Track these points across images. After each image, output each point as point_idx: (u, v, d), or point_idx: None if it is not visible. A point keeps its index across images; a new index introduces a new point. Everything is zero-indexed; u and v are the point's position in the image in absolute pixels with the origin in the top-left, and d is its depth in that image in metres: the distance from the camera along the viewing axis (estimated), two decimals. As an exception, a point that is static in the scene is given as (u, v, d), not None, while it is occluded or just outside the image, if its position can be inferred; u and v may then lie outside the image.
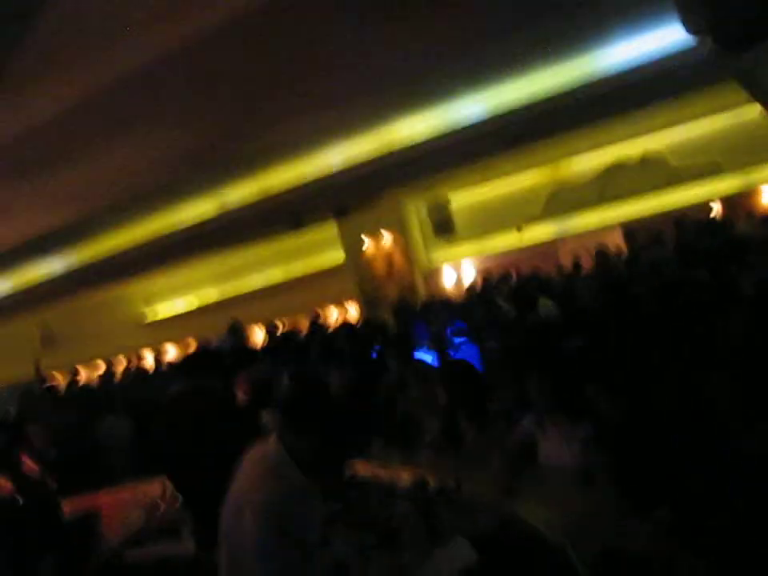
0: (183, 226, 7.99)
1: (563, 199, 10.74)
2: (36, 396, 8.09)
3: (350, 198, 9.20)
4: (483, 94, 5.90)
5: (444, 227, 11.47)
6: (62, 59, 3.17)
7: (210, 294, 14.40)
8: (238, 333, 7.63)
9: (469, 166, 8.48)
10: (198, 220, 7.87)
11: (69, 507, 4.68)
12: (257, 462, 2.28)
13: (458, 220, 11.51)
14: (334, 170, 6.95)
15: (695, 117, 9.43)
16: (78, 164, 4.74)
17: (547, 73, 5.63)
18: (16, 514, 3.92)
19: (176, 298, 15.02)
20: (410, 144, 6.61)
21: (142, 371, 9.00)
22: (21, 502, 4.20)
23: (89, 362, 13.30)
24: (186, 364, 3.78)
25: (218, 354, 3.91)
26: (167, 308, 15.27)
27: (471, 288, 9.12)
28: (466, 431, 3.80)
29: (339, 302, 13.01)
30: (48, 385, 9.48)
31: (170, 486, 4.57)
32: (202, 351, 3.86)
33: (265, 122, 5.06)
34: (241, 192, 7.46)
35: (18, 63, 3.34)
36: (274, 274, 13.64)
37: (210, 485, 3.53)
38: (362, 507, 3.49)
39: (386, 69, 4.49)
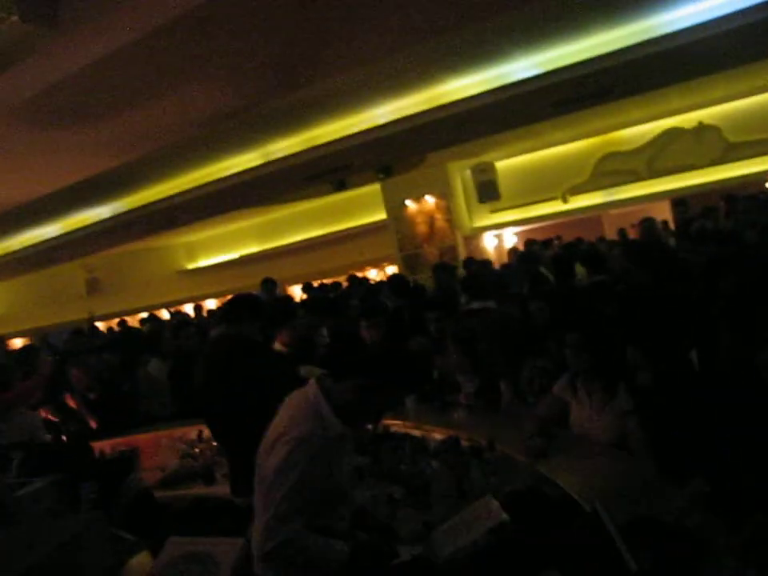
0: (227, 176, 8.01)
1: (611, 169, 10.53)
2: (81, 339, 8.35)
3: (394, 155, 9.10)
4: (535, 53, 5.75)
5: (488, 192, 11.38)
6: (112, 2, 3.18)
7: (251, 247, 14.62)
8: (270, 286, 7.81)
9: (516, 128, 8.30)
10: (241, 170, 7.87)
11: (109, 446, 4.86)
12: (294, 404, 2.38)
13: (503, 185, 11.39)
14: (380, 125, 6.86)
15: (754, 91, 9.13)
16: (126, 110, 4.74)
17: (604, 34, 5.44)
18: (59, 445, 4.04)
19: (217, 249, 15.31)
20: (457, 102, 6.48)
21: (182, 317, 9.18)
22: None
23: (132, 308, 13.72)
24: (225, 310, 3.81)
25: (257, 303, 3.91)
26: (208, 259, 15.56)
27: (512, 252, 9.07)
28: (502, 392, 3.80)
29: (379, 262, 13.13)
30: (92, 327, 9.78)
31: (206, 431, 4.69)
32: (242, 298, 3.86)
33: (312, 74, 5.00)
34: (285, 144, 7.43)
35: (68, 5, 3.37)
36: (314, 230, 13.77)
37: (245, 431, 3.61)
38: (391, 461, 3.53)
39: (435, 24, 4.37)
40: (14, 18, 3.31)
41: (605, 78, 6.02)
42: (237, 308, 3.76)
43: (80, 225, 9.62)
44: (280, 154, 7.57)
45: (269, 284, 7.74)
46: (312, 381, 2.38)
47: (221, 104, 5.18)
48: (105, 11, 3.27)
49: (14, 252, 10.53)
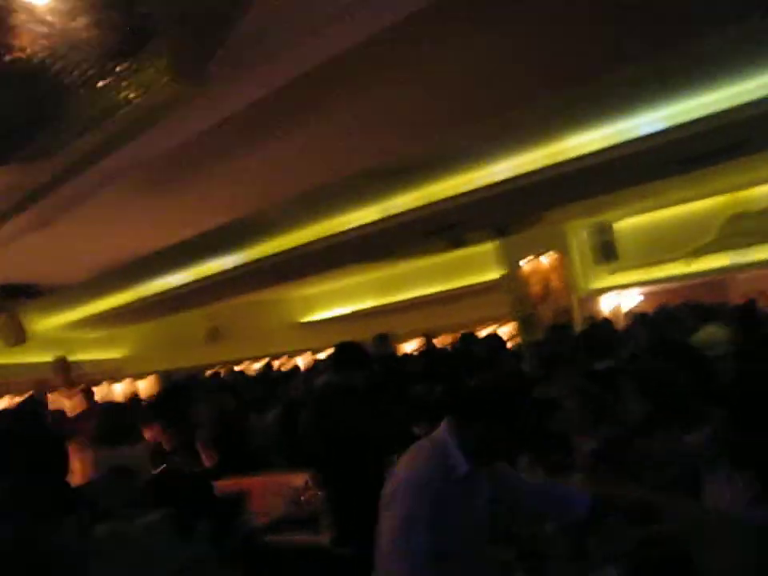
0: (346, 230, 8.21)
1: (740, 229, 9.99)
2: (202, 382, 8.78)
3: (511, 213, 9.07)
4: (661, 107, 5.59)
5: (606, 253, 11.09)
6: (254, 55, 3.38)
7: (366, 302, 14.86)
8: (381, 341, 7.85)
9: (639, 186, 8.08)
10: (360, 224, 8.06)
11: (217, 486, 4.97)
12: (417, 449, 2.35)
13: (622, 245, 11.05)
14: (497, 182, 6.85)
15: None
16: (254, 162, 4.97)
17: (734, 86, 5.22)
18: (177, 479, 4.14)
19: (333, 303, 15.66)
20: (578, 159, 6.39)
21: (296, 367, 9.37)
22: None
23: (248, 357, 14.21)
24: (332, 357, 3.83)
25: (364, 351, 3.90)
26: (324, 312, 15.93)
27: (631, 315, 8.77)
28: (623, 452, 3.59)
29: (492, 320, 13.00)
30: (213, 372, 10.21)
31: (313, 478, 4.71)
32: (348, 346, 3.86)
33: (434, 130, 5.09)
34: (404, 199, 7.55)
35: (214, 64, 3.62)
36: (428, 287, 13.86)
37: (350, 481, 3.60)
38: (504, 522, 3.39)
39: (556, 77, 4.35)
40: (167, 78, 3.61)
41: (735, 133, 5.76)
42: (343, 356, 3.78)
43: (205, 274, 10.11)
44: (398, 210, 7.70)
45: (380, 339, 7.76)
46: (443, 426, 2.34)
47: (346, 158, 5.32)
48: (245, 68, 3.49)
49: (145, 298, 11.15)
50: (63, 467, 1.52)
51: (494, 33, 3.36)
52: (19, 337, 7.85)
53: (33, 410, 5.26)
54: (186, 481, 4.12)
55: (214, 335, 15.33)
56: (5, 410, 5.59)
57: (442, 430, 2.32)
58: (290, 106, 3.82)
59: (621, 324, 8.81)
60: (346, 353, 3.77)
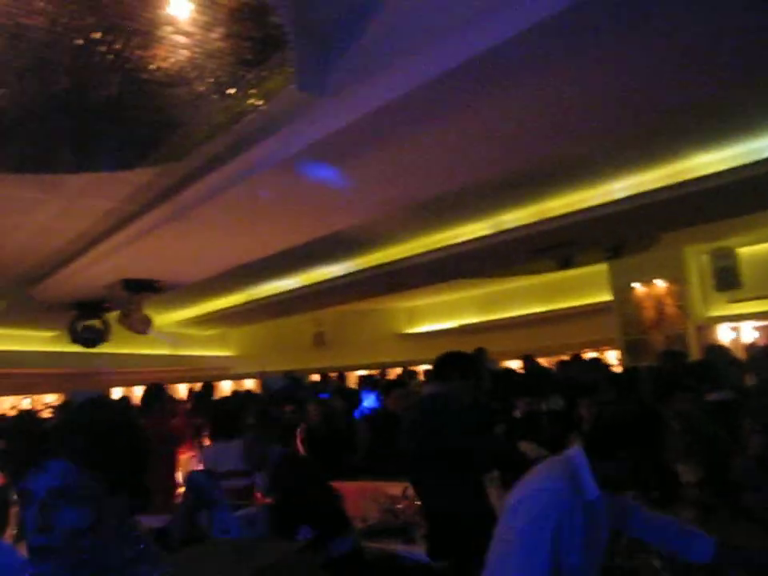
0: (455, 244, 8.22)
1: None
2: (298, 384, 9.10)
3: (626, 234, 8.77)
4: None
5: (727, 280, 10.53)
6: (374, 64, 3.46)
7: (470, 318, 14.81)
8: (483, 355, 7.90)
9: (765, 211, 7.64)
10: (470, 238, 8.04)
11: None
12: (547, 467, 2.30)
13: (745, 273, 10.46)
14: (615, 200, 6.66)
15: None
16: (367, 170, 5.00)
17: None
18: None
19: (437, 316, 15.70)
20: (701, 179, 6.12)
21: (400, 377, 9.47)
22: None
23: (351, 364, 14.46)
24: (436, 366, 3.79)
25: (470, 361, 3.84)
26: (427, 325, 15.99)
27: (751, 347, 8.30)
28: (734, 489, 3.39)
29: (598, 345, 12.66)
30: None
31: (410, 489, 4.71)
32: (453, 356, 3.80)
33: (553, 144, 4.99)
34: (516, 215, 7.48)
35: (335, 73, 3.72)
36: (533, 306, 13.66)
37: (449, 492, 3.57)
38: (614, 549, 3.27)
39: (684, 93, 4.18)
40: (292, 86, 3.74)
41: None
42: (448, 365, 3.73)
43: (315, 280, 10.38)
44: (510, 225, 7.63)
45: (479, 353, 7.81)
46: (577, 446, 2.29)
47: (461, 170, 5.31)
48: (365, 77, 3.56)
49: (258, 300, 11.55)
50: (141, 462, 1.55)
51: (622, 46, 3.27)
52: (144, 326, 8.35)
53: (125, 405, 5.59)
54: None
55: (320, 340, 15.70)
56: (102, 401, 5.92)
57: (576, 452, 2.26)
58: (408, 115, 3.84)
59: (738, 355, 8.34)
60: (451, 362, 3.73)
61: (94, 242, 6.70)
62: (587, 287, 12.54)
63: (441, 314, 15.67)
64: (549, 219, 7.26)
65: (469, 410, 3.60)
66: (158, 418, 5.54)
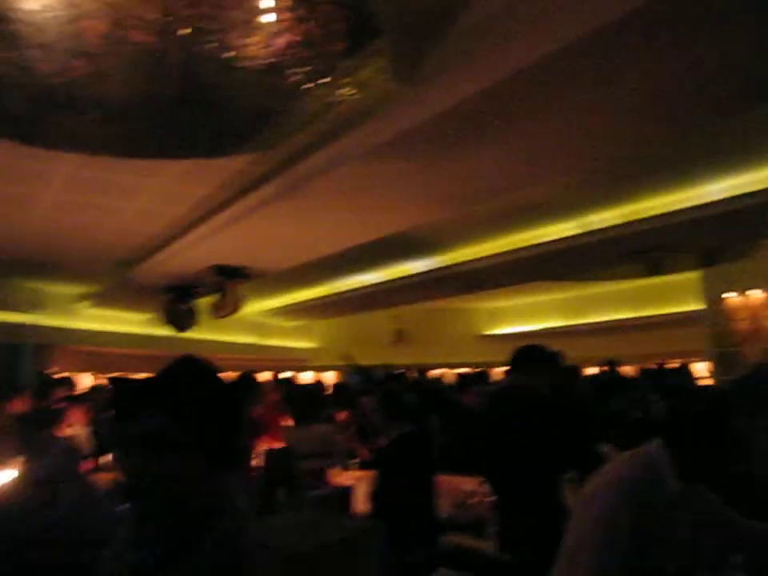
0: (540, 243, 8.11)
1: None
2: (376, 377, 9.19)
3: (723, 239, 8.42)
4: None
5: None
6: (470, 50, 3.46)
7: (552, 321, 14.59)
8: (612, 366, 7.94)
9: None
10: (556, 238, 7.91)
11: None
12: (626, 457, 2.24)
13: None
14: (712, 202, 6.41)
15: None
16: (456, 162, 5.00)
17: None
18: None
19: (518, 319, 15.52)
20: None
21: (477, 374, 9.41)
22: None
23: (430, 363, 14.48)
24: (514, 358, 3.77)
25: (550, 354, 3.79)
26: (508, 327, 15.83)
27: None
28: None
29: (685, 355, 12.22)
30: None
31: (484, 485, 4.70)
32: (533, 348, 3.77)
33: (647, 143, 4.86)
34: (606, 215, 7.31)
35: (428, 62, 3.75)
36: (617, 313, 13.34)
37: (524, 486, 3.54)
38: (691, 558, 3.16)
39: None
40: (385, 76, 3.79)
41: None
42: (527, 357, 3.71)
43: (396, 276, 10.45)
44: (597, 226, 7.47)
45: (612, 364, 7.96)
46: (658, 443, 2.21)
47: (552, 167, 5.22)
48: (458, 65, 3.58)
49: (340, 293, 11.73)
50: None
51: (719, 39, 3.15)
52: (232, 310, 8.64)
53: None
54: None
55: (400, 337, 15.80)
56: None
57: (655, 447, 2.20)
58: (498, 106, 3.83)
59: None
60: (531, 355, 3.70)
61: (189, 227, 6.97)
62: (677, 295, 12.16)
63: (523, 317, 15.49)
64: (639, 221, 7.07)
65: (546, 403, 3.56)
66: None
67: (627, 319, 13.16)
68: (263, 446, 5.62)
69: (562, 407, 3.69)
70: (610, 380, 7.31)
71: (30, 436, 4.00)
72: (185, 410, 1.48)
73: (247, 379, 5.66)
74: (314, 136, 4.71)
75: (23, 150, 5.10)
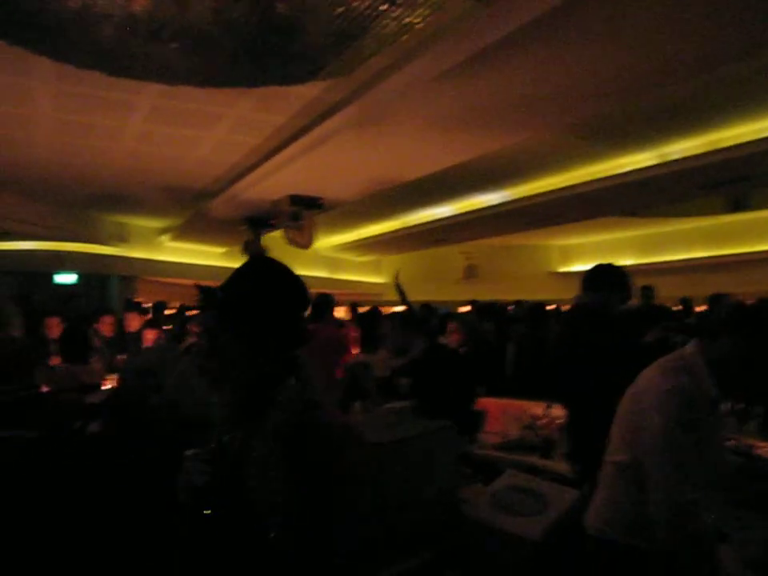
0: (615, 175, 7.92)
1: None
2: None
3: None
4: None
5: None
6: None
7: (626, 259, 14.29)
8: (649, 293, 7.76)
9: None
10: (632, 170, 7.71)
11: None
12: (662, 363, 2.33)
13: None
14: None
15: None
16: (527, 85, 4.88)
17: None
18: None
19: (591, 256, 15.26)
20: None
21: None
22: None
23: (502, 300, 14.48)
24: (587, 277, 3.79)
25: (623, 274, 3.79)
26: (581, 264, 15.59)
27: None
28: None
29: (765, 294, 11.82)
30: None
31: (553, 409, 4.80)
32: (606, 267, 3.77)
33: (728, 63, 4.66)
34: (685, 145, 7.05)
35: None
36: (696, 251, 12.95)
37: (591, 403, 3.60)
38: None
39: None
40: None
41: None
42: (600, 276, 3.72)
43: (468, 209, 10.41)
44: (677, 156, 7.24)
45: (646, 290, 7.77)
46: (692, 345, 2.31)
47: (628, 91, 5.07)
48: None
49: (411, 227, 11.79)
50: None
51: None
52: (308, 241, 8.85)
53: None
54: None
55: (471, 274, 15.82)
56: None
57: (692, 349, 2.28)
58: (573, 22, 3.74)
59: None
60: (602, 273, 3.72)
61: (266, 156, 7.13)
62: (760, 233, 11.69)
63: (596, 254, 15.22)
64: (721, 150, 6.80)
65: (618, 320, 3.59)
66: (328, 325, 6.00)
67: (706, 258, 12.77)
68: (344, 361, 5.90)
69: (632, 324, 3.72)
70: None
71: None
72: (256, 297, 1.65)
73: (325, 300, 5.96)
74: (389, 59, 4.72)
75: (109, 80, 5.30)
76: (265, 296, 1.66)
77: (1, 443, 2.01)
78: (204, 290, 1.66)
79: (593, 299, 3.67)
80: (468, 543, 2.54)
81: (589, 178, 8.27)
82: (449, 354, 5.00)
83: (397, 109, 5.35)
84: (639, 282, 9.68)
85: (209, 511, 1.60)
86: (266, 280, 1.71)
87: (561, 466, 3.98)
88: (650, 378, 2.29)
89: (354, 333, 7.08)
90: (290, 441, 1.52)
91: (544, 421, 5.03)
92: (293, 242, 8.82)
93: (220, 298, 1.65)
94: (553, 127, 6.08)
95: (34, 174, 8.77)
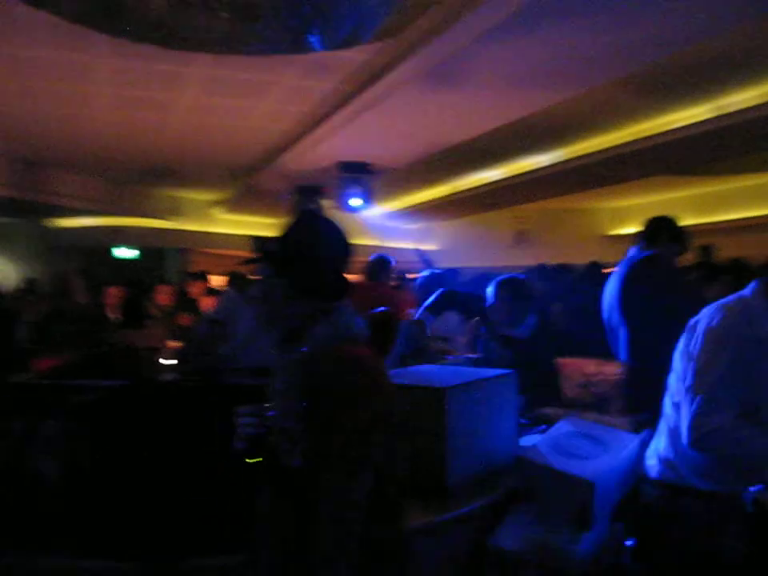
0: (670, 131, 7.72)
1: None
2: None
3: None
4: None
5: None
6: None
7: (683, 220, 13.91)
8: (708, 253, 7.68)
9: None
10: (687, 124, 7.50)
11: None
12: (723, 304, 2.34)
13: None
14: None
15: None
16: (576, 38, 4.79)
17: None
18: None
19: (644, 218, 14.88)
20: None
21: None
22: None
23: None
24: (645, 228, 3.79)
25: (679, 227, 3.77)
26: (633, 227, 15.26)
27: None
28: None
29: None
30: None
31: (607, 366, 4.80)
32: (662, 219, 3.76)
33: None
34: (742, 96, 6.83)
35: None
36: (755, 209, 12.53)
37: (648, 364, 3.61)
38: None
39: None
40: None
41: None
42: (657, 228, 3.71)
43: (518, 172, 10.29)
44: (734, 109, 7.01)
45: (706, 250, 7.72)
46: (753, 283, 2.33)
47: (681, 39, 4.93)
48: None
49: (461, 192, 11.71)
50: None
51: None
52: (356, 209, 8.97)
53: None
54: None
55: (522, 238, 15.69)
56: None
57: (751, 289, 2.29)
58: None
59: None
60: (659, 225, 3.71)
61: (316, 123, 7.20)
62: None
63: (649, 216, 14.86)
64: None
65: (676, 272, 3.59)
66: (383, 284, 6.19)
67: (763, 216, 12.35)
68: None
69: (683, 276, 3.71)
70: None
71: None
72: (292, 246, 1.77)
73: (381, 261, 6.17)
74: (438, 17, 4.70)
75: (163, 53, 5.41)
76: (311, 245, 1.80)
77: (90, 392, 2.16)
78: (258, 241, 1.80)
79: (649, 251, 3.67)
80: (527, 485, 2.61)
81: (642, 135, 8.08)
82: None
83: (448, 68, 5.33)
84: (696, 243, 9.56)
85: (257, 459, 1.75)
86: (313, 231, 1.84)
87: (618, 422, 4.00)
88: (707, 314, 2.32)
89: (409, 296, 7.15)
90: (306, 368, 1.69)
91: (598, 378, 5.03)
92: (340, 209, 8.91)
93: (272, 247, 1.77)
94: (608, 82, 5.94)
95: (92, 151, 9.05)
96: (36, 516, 2.08)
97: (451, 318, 5.85)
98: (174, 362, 3.84)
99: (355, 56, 5.46)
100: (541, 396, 4.06)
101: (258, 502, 1.79)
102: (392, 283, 8.27)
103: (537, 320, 4.29)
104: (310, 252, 1.79)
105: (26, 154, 9.34)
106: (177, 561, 2.01)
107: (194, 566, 2.03)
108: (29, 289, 9.60)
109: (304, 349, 1.73)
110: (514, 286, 4.12)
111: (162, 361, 3.87)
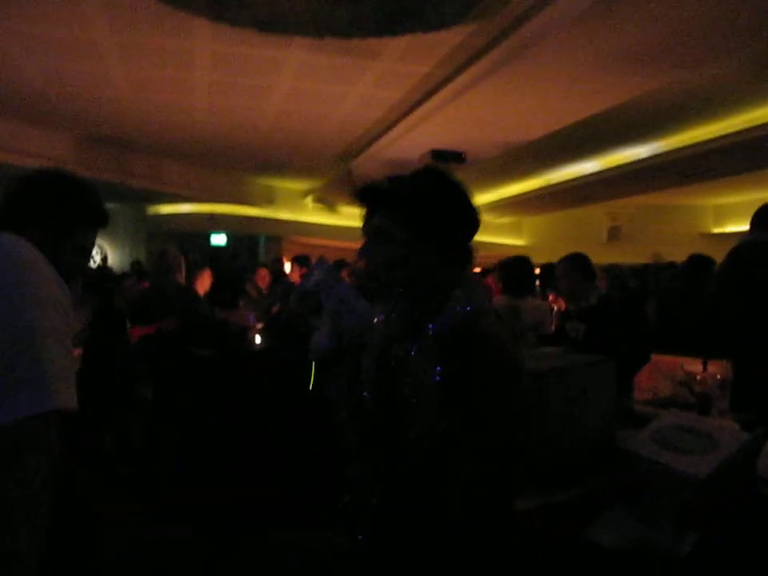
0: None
1: None
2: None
3: None
4: None
5: None
6: None
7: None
8: None
9: None
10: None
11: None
12: None
13: None
14: None
15: None
16: (672, 20, 4.59)
17: None
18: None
19: (749, 215, 14.09)
20: None
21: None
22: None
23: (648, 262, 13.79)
24: (756, 215, 3.56)
25: None
26: (738, 225, 14.48)
27: None
28: None
29: None
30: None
31: (710, 365, 4.54)
32: None
33: None
34: None
35: None
36: None
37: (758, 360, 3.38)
38: None
39: None
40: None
41: None
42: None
43: (612, 165, 9.92)
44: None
45: None
46: None
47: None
48: None
49: (554, 185, 11.43)
50: None
51: None
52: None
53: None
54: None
55: (616, 235, 15.17)
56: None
57: None
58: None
59: None
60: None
61: (409, 110, 7.15)
62: None
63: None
64: None
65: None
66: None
67: None
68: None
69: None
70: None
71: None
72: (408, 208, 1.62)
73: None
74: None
75: (260, 38, 5.48)
76: (449, 205, 1.59)
77: (191, 359, 2.18)
78: (369, 187, 1.63)
79: (763, 237, 3.43)
80: (626, 478, 2.47)
81: (749, 125, 7.61)
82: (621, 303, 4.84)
83: (543, 51, 5.18)
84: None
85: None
86: (456, 191, 1.68)
87: (722, 422, 3.78)
88: None
89: (493, 282, 7.05)
90: (448, 343, 1.52)
91: (702, 377, 4.78)
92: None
93: (391, 195, 1.63)
94: (710, 66, 5.63)
95: (190, 138, 9.31)
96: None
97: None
98: (262, 339, 3.90)
99: (449, 38, 5.36)
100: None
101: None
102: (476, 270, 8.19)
103: (603, 299, 4.20)
104: (461, 214, 1.61)
105: (128, 141, 9.70)
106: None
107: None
108: (136, 270, 10.06)
109: (434, 326, 1.57)
110: (578, 261, 4.23)
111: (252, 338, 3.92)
